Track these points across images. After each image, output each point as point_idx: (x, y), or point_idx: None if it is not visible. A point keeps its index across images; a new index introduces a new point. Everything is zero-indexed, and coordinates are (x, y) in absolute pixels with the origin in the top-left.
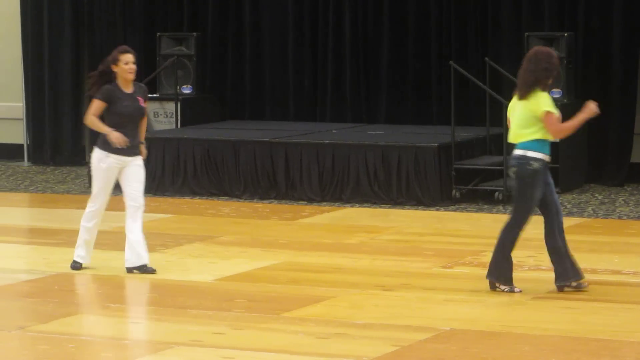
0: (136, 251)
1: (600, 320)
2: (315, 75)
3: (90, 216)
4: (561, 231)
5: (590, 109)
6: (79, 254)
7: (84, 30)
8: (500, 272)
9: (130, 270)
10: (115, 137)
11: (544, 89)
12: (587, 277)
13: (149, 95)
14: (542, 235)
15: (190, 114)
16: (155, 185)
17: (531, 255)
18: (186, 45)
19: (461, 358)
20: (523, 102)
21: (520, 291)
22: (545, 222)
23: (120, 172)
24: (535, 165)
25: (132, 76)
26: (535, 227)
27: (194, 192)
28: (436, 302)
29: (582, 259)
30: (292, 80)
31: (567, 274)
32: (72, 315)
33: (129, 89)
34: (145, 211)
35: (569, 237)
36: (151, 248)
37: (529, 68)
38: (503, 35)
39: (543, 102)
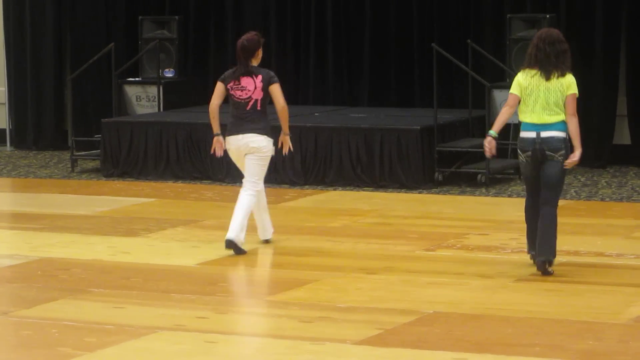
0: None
1: (583, 303)
2: (297, 58)
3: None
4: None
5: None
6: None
7: (66, 15)
8: (554, 252)
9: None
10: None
11: (570, 71)
12: (570, 259)
13: (131, 79)
14: (523, 218)
15: (173, 97)
16: (138, 170)
17: (514, 238)
18: (168, 29)
19: (444, 341)
20: (555, 82)
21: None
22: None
23: None
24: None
25: None
26: (518, 210)
27: (177, 176)
28: (419, 285)
29: (565, 241)
30: (274, 63)
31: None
32: (56, 300)
33: None
34: (127, 195)
35: None
36: (134, 232)
37: (561, 48)
38: (485, 17)
39: (573, 83)
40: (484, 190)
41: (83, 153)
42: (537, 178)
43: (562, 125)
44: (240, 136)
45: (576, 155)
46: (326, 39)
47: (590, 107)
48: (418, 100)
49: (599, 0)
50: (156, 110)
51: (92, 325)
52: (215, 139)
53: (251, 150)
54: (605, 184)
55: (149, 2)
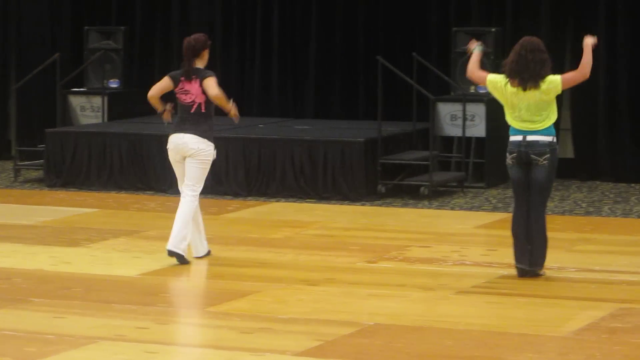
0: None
1: (524, 315)
2: (242, 70)
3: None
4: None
5: (589, 42)
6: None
7: (11, 24)
8: (542, 260)
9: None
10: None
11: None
12: (512, 271)
13: (76, 89)
14: (467, 231)
15: (118, 108)
16: (81, 180)
17: (455, 250)
18: (114, 40)
19: (385, 353)
20: (533, 91)
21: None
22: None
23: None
24: (557, 149)
25: None
26: (460, 222)
27: (120, 187)
28: (360, 296)
29: (508, 254)
30: (219, 74)
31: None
32: None
33: None
34: (70, 205)
35: (493, 232)
36: (76, 242)
37: (534, 59)
38: (430, 30)
39: (553, 80)
40: (426, 202)
41: (26, 163)
42: (525, 183)
43: (548, 130)
44: (180, 135)
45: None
46: (271, 51)
47: None
48: (363, 112)
49: (544, 14)
50: (100, 120)
51: (32, 335)
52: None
53: (190, 153)
54: None
55: (95, 12)
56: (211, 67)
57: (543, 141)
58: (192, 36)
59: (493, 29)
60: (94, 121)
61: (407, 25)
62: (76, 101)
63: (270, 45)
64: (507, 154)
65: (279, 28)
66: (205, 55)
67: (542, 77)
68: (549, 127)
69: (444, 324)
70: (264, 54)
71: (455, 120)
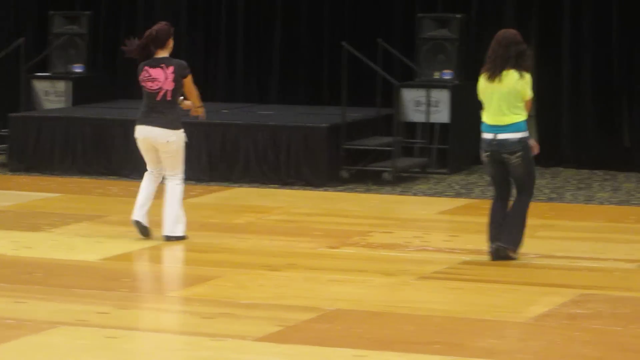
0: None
1: (485, 301)
2: (207, 55)
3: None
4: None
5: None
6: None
7: None
8: (515, 240)
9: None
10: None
11: (528, 71)
12: (473, 257)
13: (40, 74)
14: (429, 216)
15: (82, 93)
16: (44, 164)
17: (417, 236)
18: (78, 24)
19: (346, 338)
20: (508, 84)
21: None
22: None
23: None
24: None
25: None
26: (423, 208)
27: (83, 172)
28: (322, 282)
29: (469, 240)
30: (184, 59)
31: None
32: None
33: None
34: (32, 189)
35: (456, 218)
36: (38, 227)
37: (518, 49)
38: (395, 16)
39: (529, 88)
40: (389, 188)
41: None
42: (500, 177)
43: (518, 126)
44: (149, 128)
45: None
46: (236, 35)
47: None
48: (327, 98)
49: (510, 1)
50: (64, 105)
51: None
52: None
53: (160, 147)
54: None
55: None
56: (176, 51)
57: (513, 139)
58: (155, 26)
59: (458, 16)
60: (57, 106)
61: (372, 11)
62: (40, 86)
63: (235, 30)
64: (482, 151)
65: (244, 12)
66: (170, 43)
67: (519, 71)
68: (519, 122)
69: (406, 309)
70: (228, 39)
71: (419, 106)
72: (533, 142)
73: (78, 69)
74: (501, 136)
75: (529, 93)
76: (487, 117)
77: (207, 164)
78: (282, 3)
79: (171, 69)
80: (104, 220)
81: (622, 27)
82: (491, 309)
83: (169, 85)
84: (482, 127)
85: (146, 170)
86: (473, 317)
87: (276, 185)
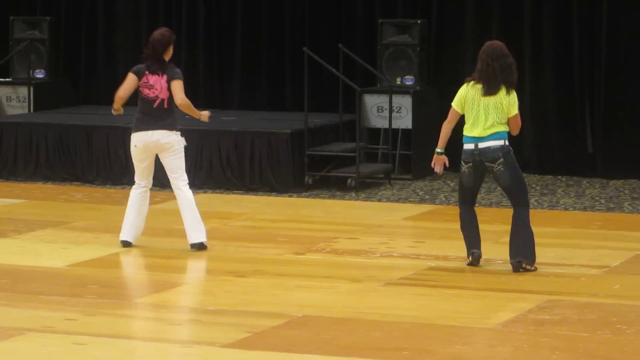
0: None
1: (451, 307)
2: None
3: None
4: None
5: None
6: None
7: None
8: (530, 252)
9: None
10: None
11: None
12: (439, 263)
13: (2, 79)
14: (394, 222)
15: (44, 98)
16: (7, 171)
17: (383, 242)
18: (39, 30)
19: (313, 344)
20: (496, 99)
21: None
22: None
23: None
24: (512, 150)
25: None
26: (387, 214)
27: (47, 178)
28: (289, 288)
29: (434, 246)
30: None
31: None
32: None
33: None
34: None
35: (421, 224)
36: (3, 233)
37: (506, 62)
38: (356, 22)
39: (516, 104)
40: (353, 194)
41: None
42: (474, 190)
43: (499, 135)
44: (150, 132)
45: None
46: (197, 41)
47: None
48: (289, 103)
49: (469, 6)
50: (26, 111)
51: None
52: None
53: (164, 148)
54: None
55: (20, 2)
56: (137, 57)
57: (495, 146)
58: (158, 31)
59: (419, 21)
60: (20, 111)
61: (333, 16)
62: (2, 91)
63: (196, 35)
64: (462, 163)
65: (205, 18)
66: (170, 50)
67: (507, 87)
68: (501, 132)
69: (373, 315)
70: (189, 45)
71: (382, 112)
72: None
73: (39, 74)
74: (482, 145)
75: (514, 110)
76: (470, 129)
77: None
78: (242, 8)
79: (165, 77)
80: (68, 226)
81: (583, 32)
82: (458, 315)
83: (165, 94)
84: (464, 139)
85: (134, 183)
86: (440, 323)
87: (240, 191)
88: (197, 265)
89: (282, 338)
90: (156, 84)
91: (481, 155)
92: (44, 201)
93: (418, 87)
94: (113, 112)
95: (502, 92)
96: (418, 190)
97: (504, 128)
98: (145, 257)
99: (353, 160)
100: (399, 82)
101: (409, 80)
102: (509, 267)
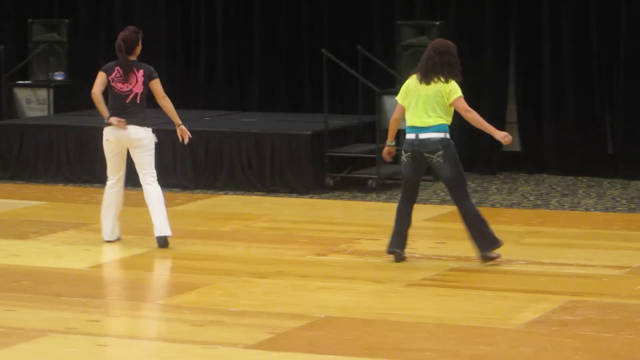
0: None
1: (474, 308)
2: (187, 63)
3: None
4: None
5: (506, 139)
6: None
7: None
8: (488, 241)
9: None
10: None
11: (455, 80)
12: (461, 264)
13: (21, 82)
14: (415, 224)
15: (63, 100)
16: (28, 173)
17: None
18: (58, 32)
19: (336, 345)
20: (434, 89)
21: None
22: (407, 200)
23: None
24: (453, 146)
25: None
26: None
27: (67, 179)
28: (311, 289)
29: (456, 247)
30: (164, 68)
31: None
32: None
33: None
34: (17, 197)
35: (442, 225)
36: (25, 235)
37: (449, 60)
38: (375, 23)
39: (456, 88)
40: (374, 195)
41: None
42: (414, 182)
43: (441, 127)
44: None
45: (501, 135)
46: (216, 43)
47: (479, 114)
48: (309, 105)
49: (487, 7)
50: (46, 113)
51: None
52: (111, 119)
53: (134, 144)
54: (495, 190)
55: (38, 5)
56: (156, 59)
57: (434, 138)
58: (123, 33)
59: (437, 22)
60: (40, 114)
61: (352, 18)
62: (21, 94)
63: (215, 37)
64: (403, 152)
65: (223, 20)
66: (138, 49)
67: (446, 77)
68: (442, 124)
69: (395, 316)
70: (208, 47)
71: None
72: (504, 134)
73: (59, 76)
74: (422, 136)
75: (454, 95)
76: (410, 118)
77: (191, 172)
78: (261, 9)
79: (141, 72)
80: (90, 227)
81: (602, 33)
82: (481, 315)
83: (139, 89)
84: (407, 129)
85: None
86: (463, 324)
87: (261, 193)
88: (219, 267)
89: (305, 339)
90: (131, 78)
91: (420, 146)
92: (65, 203)
93: None
94: (112, 121)
95: (441, 81)
96: (439, 192)
97: (445, 120)
98: (167, 258)
99: (373, 162)
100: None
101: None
102: (531, 267)
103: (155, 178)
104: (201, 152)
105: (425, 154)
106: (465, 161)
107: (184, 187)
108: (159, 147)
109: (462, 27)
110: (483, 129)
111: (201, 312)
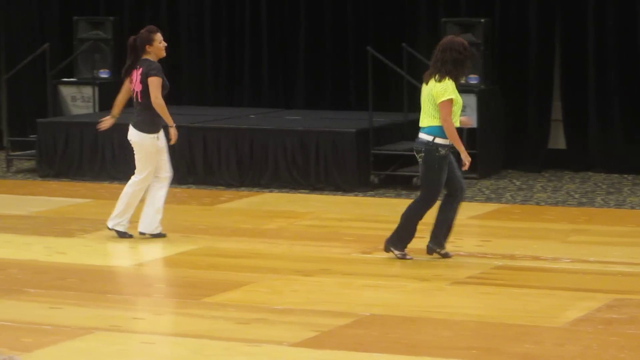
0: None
1: (519, 306)
2: (232, 60)
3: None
4: (459, 205)
5: (466, 165)
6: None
7: (0, 14)
8: (399, 239)
9: (142, 233)
10: (174, 134)
11: (450, 78)
12: (506, 262)
13: (66, 79)
14: (460, 222)
15: (108, 98)
16: (73, 170)
17: (449, 241)
18: (103, 30)
19: (381, 343)
20: (429, 88)
21: (412, 259)
22: (446, 196)
23: None
24: (443, 152)
25: (165, 53)
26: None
27: (113, 177)
28: (356, 287)
29: (501, 245)
30: (209, 65)
31: (440, 240)
32: None
33: None
34: (63, 195)
35: (487, 223)
36: (70, 233)
37: (442, 58)
38: (420, 21)
39: (445, 91)
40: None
41: (18, 153)
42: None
43: (430, 129)
44: (130, 127)
45: (464, 155)
46: (261, 41)
47: (525, 112)
48: (354, 103)
49: (533, 4)
50: (91, 110)
51: (28, 325)
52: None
53: (131, 144)
54: (540, 188)
55: (84, 2)
56: (201, 57)
57: (422, 139)
58: (138, 35)
59: (482, 20)
60: (85, 111)
61: (397, 15)
62: (67, 91)
63: (260, 35)
64: None
65: (268, 17)
66: (149, 48)
67: (442, 75)
68: (431, 126)
69: (440, 314)
70: (253, 44)
71: None
72: (466, 157)
73: (104, 74)
74: (419, 134)
75: (441, 97)
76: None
77: (236, 170)
78: (306, 8)
79: (140, 70)
80: (135, 225)
81: None
82: (526, 314)
83: (138, 87)
84: None
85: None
86: (508, 322)
87: (306, 191)
88: (264, 265)
89: (350, 337)
90: (134, 77)
91: (415, 143)
92: (110, 200)
93: (482, 86)
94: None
95: (435, 79)
96: (484, 189)
97: (435, 122)
98: (212, 256)
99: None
100: (463, 81)
101: (474, 79)
102: (577, 266)
103: (136, 179)
104: (246, 150)
105: (415, 153)
106: (510, 159)
107: (229, 185)
108: (204, 144)
109: (507, 25)
110: (453, 142)
111: (246, 310)
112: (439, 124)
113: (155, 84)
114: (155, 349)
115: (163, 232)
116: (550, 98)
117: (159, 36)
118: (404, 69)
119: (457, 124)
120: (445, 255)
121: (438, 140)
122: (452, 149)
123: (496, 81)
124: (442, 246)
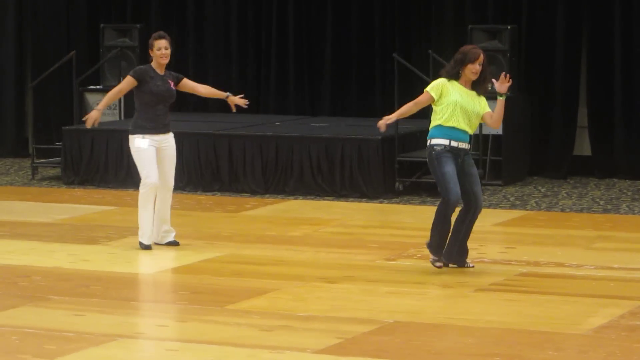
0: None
1: (543, 313)
2: (258, 67)
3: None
4: (472, 222)
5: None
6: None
7: (27, 21)
8: (436, 245)
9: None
10: (90, 116)
11: (449, 76)
12: (530, 269)
13: (93, 87)
14: (485, 228)
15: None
16: (98, 177)
17: (474, 248)
18: (130, 37)
19: (405, 350)
20: None
21: (441, 267)
22: (461, 211)
23: (156, 151)
24: (438, 149)
25: (165, 61)
26: (478, 220)
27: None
28: (379, 294)
29: (525, 252)
30: (235, 72)
31: (451, 256)
32: (16, 307)
33: (161, 72)
34: (87, 202)
35: (511, 230)
36: (94, 240)
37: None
38: (446, 28)
39: (430, 84)
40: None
41: (44, 160)
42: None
43: (430, 132)
44: None
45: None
46: (287, 48)
47: (550, 118)
48: (379, 110)
49: (560, 11)
50: (117, 118)
51: (52, 332)
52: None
53: None
54: (565, 195)
55: (110, 10)
56: (227, 63)
57: (428, 142)
58: None
59: (509, 27)
60: (110, 119)
61: (423, 22)
62: (93, 99)
63: (286, 42)
64: None
65: (295, 25)
66: (151, 54)
67: (439, 76)
68: (431, 129)
69: (464, 321)
70: (279, 51)
71: None
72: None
73: None
74: None
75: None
76: None
77: (261, 176)
78: (332, 14)
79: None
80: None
81: None
82: (549, 320)
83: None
84: None
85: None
86: (532, 329)
87: (331, 198)
88: (287, 272)
89: (374, 344)
90: None
91: None
92: (135, 208)
93: (509, 93)
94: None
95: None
96: (509, 196)
97: (433, 124)
98: (236, 263)
99: None
100: (489, 88)
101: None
102: (601, 272)
103: (141, 184)
104: (271, 156)
105: None
106: (535, 165)
107: (254, 192)
108: (229, 151)
109: (534, 31)
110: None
111: (270, 317)
112: (435, 125)
113: (125, 81)
114: (178, 356)
115: (174, 240)
116: (576, 105)
117: (158, 43)
118: (430, 76)
119: (457, 125)
120: (463, 266)
121: (433, 141)
122: (453, 149)
123: (522, 88)
124: (454, 261)
